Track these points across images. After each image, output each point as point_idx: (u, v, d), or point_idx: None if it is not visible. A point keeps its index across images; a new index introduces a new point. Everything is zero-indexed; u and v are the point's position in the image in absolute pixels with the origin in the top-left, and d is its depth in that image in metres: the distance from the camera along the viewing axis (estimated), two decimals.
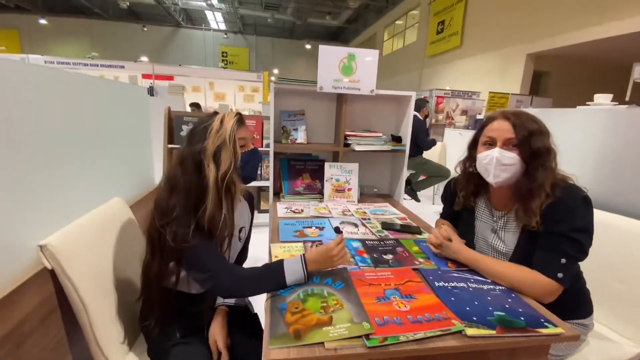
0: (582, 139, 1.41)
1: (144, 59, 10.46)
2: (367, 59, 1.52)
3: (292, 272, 0.83)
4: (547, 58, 7.08)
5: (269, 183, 1.66)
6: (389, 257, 1.03)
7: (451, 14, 9.46)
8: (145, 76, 7.63)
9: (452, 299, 0.80)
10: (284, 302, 0.76)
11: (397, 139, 1.75)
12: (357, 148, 1.59)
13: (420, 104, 3.72)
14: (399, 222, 1.38)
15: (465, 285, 0.87)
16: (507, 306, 0.79)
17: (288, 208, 1.51)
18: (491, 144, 0.96)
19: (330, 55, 1.49)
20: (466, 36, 8.97)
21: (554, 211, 0.87)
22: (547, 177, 0.89)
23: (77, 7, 12.71)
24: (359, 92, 1.55)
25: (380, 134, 1.67)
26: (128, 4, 11.76)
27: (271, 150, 1.61)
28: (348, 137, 1.64)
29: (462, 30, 9.04)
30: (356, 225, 1.32)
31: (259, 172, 2.69)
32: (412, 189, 3.67)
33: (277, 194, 1.71)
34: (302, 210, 1.49)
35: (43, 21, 12.73)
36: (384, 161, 1.91)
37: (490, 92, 6.71)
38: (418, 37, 11.42)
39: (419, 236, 1.24)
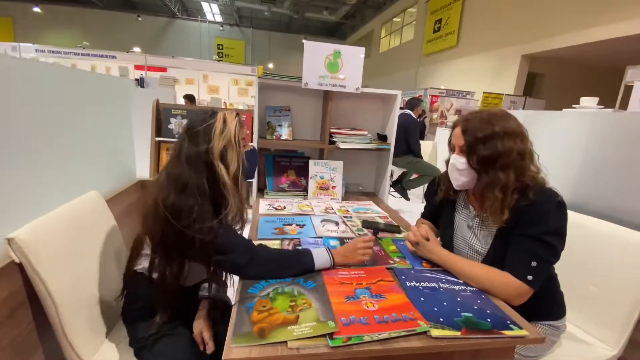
0: (567, 141, 1.42)
1: (137, 49, 10.31)
2: (353, 56, 1.51)
3: (320, 257, 0.90)
4: (542, 59, 7.13)
5: (253, 179, 1.65)
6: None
7: (448, 13, 9.45)
8: (137, 67, 7.51)
9: (422, 299, 0.81)
10: (252, 300, 0.76)
11: (382, 138, 1.75)
12: (342, 146, 1.59)
13: (414, 103, 3.71)
14: (380, 220, 1.38)
15: (436, 286, 0.88)
16: (475, 307, 0.79)
17: (270, 205, 1.50)
18: (452, 149, 1.00)
19: (315, 52, 1.48)
20: (462, 35, 8.98)
21: (527, 214, 0.87)
22: (503, 179, 0.88)
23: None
24: (344, 90, 1.54)
25: (366, 133, 1.67)
26: None
27: (255, 146, 1.59)
28: (333, 135, 1.63)
29: (458, 29, 9.04)
30: (337, 224, 1.32)
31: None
32: (402, 188, 3.68)
33: (262, 190, 1.70)
34: (285, 207, 1.48)
35: (37, 9, 12.47)
36: (370, 159, 1.91)
37: (484, 93, 6.74)
38: (415, 35, 11.39)
39: (398, 235, 1.24)
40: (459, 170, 0.96)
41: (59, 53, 6.84)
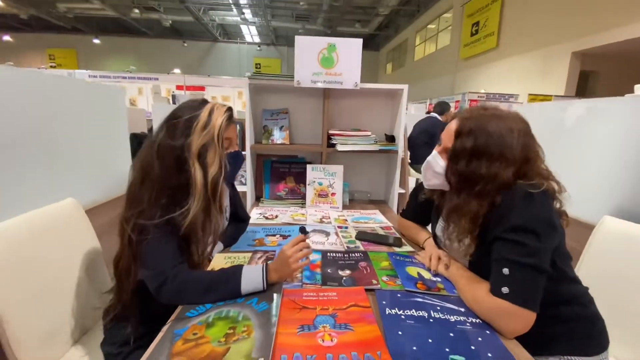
0: (619, 133, 1.12)
1: (177, 71, 11.08)
2: (349, 49, 1.37)
3: (249, 280, 0.73)
4: (595, 56, 6.39)
5: (247, 188, 1.54)
6: (345, 273, 0.86)
7: (486, 15, 8.98)
8: (178, 87, 8.07)
9: (399, 332, 0.62)
10: (185, 326, 0.63)
11: (390, 139, 1.57)
12: (341, 148, 1.43)
13: (444, 107, 3.44)
14: (380, 232, 1.19)
15: (425, 315, 0.68)
16: (472, 348, 0.58)
17: (262, 214, 1.38)
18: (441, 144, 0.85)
19: (307, 46, 1.36)
20: (503, 36, 8.45)
21: (491, 216, 0.72)
22: (474, 209, 0.73)
23: (126, 27, 13.88)
24: (342, 86, 1.40)
25: (369, 133, 1.50)
26: (170, 22, 12.64)
27: (248, 151, 1.49)
28: (332, 137, 1.48)
29: (498, 30, 8.53)
30: (327, 234, 1.15)
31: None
32: None
33: (259, 199, 1.59)
34: (277, 216, 1.35)
35: (96, 41, 14.09)
36: (378, 164, 1.72)
37: (530, 94, 6.19)
38: (451, 40, 10.98)
39: (397, 249, 1.05)
40: (434, 172, 0.84)
41: (109, 77, 7.53)
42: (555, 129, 1.31)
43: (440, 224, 0.97)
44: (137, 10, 11.09)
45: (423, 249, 1.03)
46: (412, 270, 0.89)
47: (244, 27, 15.05)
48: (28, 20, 11.29)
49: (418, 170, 3.15)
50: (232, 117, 0.85)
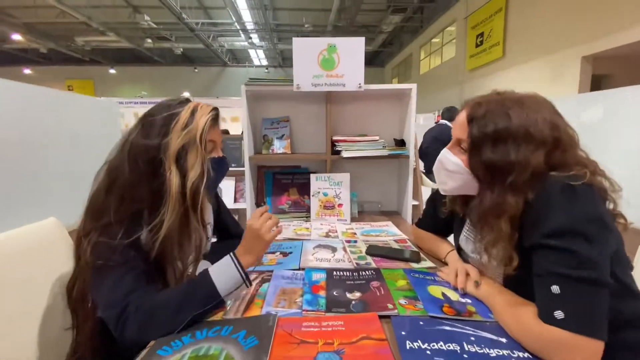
0: None
1: (186, 94, 11.41)
2: (351, 50, 1.28)
3: (223, 275, 0.64)
4: (607, 59, 6.21)
5: (246, 203, 1.43)
6: (355, 296, 0.72)
7: (490, 25, 9.00)
8: None
9: None
10: None
11: (399, 143, 1.44)
12: (347, 154, 1.31)
13: (453, 113, 3.30)
14: (394, 245, 1.05)
15: (458, 349, 0.53)
16: None
17: None
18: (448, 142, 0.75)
19: (306, 48, 1.27)
20: (509, 46, 8.40)
21: (525, 219, 0.59)
22: (512, 205, 0.60)
23: (140, 56, 14.53)
24: (344, 89, 1.30)
25: (377, 138, 1.38)
26: (181, 50, 13.16)
27: (247, 163, 1.39)
28: (337, 143, 1.37)
29: (503, 40, 8.49)
30: (333, 250, 1.02)
31: (232, 194, 2.44)
32: None
33: None
34: None
35: (112, 71, 14.80)
36: (388, 172, 1.58)
37: None
38: (456, 52, 11.01)
39: (415, 265, 0.90)
40: (448, 173, 0.72)
41: (121, 103, 7.78)
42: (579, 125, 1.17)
43: (464, 235, 0.82)
44: (149, 41, 11.58)
45: (445, 263, 0.88)
46: (435, 290, 0.74)
47: (251, 52, 15.55)
48: (48, 54, 11.90)
49: (434, 180, 3.00)
50: (217, 118, 0.74)
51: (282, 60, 16.71)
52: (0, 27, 8.96)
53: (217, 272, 0.64)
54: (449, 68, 11.39)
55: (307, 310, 0.65)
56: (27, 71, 13.71)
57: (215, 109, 0.74)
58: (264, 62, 17.16)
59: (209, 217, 0.89)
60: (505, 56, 8.59)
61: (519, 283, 0.64)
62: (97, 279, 0.61)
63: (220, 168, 0.78)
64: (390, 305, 0.67)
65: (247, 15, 9.90)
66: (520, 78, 7.97)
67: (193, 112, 0.69)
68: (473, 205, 0.67)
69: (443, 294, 0.73)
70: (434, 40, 12.69)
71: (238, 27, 11.14)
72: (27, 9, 8.65)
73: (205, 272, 0.63)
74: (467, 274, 0.75)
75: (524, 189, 0.59)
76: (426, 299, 0.70)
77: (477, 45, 9.67)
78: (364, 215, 1.48)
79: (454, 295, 0.72)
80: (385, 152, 1.33)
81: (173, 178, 0.64)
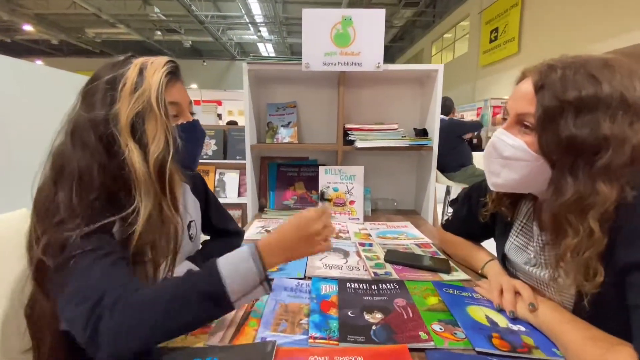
0: None
1: (194, 86, 11.37)
2: (369, 23, 1.11)
3: (235, 271, 0.46)
4: (628, 57, 5.90)
5: (247, 197, 1.28)
6: (376, 318, 0.56)
7: (505, 20, 8.72)
8: (196, 102, 8.23)
9: None
10: None
11: (421, 133, 1.27)
12: (361, 145, 1.15)
13: (448, 105, 3.02)
14: (417, 250, 0.89)
15: None
16: None
17: (264, 227, 1.11)
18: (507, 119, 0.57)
19: (318, 21, 1.11)
20: (524, 41, 8.13)
21: (615, 228, 0.45)
22: (605, 195, 0.44)
23: (150, 49, 14.52)
24: (360, 69, 1.13)
25: (396, 126, 1.21)
26: (190, 43, 13.10)
27: (248, 153, 1.24)
28: (350, 132, 1.21)
29: (519, 35, 8.22)
30: (345, 255, 0.86)
31: (236, 188, 2.30)
32: None
33: (263, 209, 1.33)
34: None
35: None
36: (406, 165, 1.42)
37: None
38: (469, 48, 10.74)
39: (444, 276, 0.74)
40: (503, 160, 0.55)
41: None
42: None
43: (513, 242, 0.66)
44: (159, 33, 11.56)
45: (482, 276, 0.72)
46: (477, 313, 0.58)
47: (260, 45, 15.46)
48: (59, 46, 11.95)
49: (452, 179, 2.83)
50: (176, 72, 0.59)
51: (291, 54, 16.59)
52: (12, 17, 8.99)
53: (229, 265, 0.46)
54: (461, 64, 11.11)
55: (315, 338, 0.50)
56: (38, 62, 13.86)
57: (172, 62, 0.58)
58: (273, 56, 17.13)
59: (193, 212, 0.74)
60: (520, 52, 8.33)
61: (599, 311, 0.48)
62: (58, 282, 0.45)
63: (191, 135, 0.62)
64: (423, 334, 0.51)
65: (256, 8, 9.80)
66: None
67: (142, 70, 0.54)
68: (544, 199, 0.51)
69: (488, 318, 0.57)
70: (446, 35, 12.41)
71: (247, 20, 11.02)
72: (39, 0, 8.66)
73: (212, 264, 0.47)
74: (517, 292, 0.59)
75: (620, 176, 0.44)
76: (468, 324, 0.54)
77: (491, 41, 9.39)
78: (378, 213, 1.32)
79: (501, 320, 0.56)
80: (405, 143, 1.17)
81: (133, 155, 0.50)
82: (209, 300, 0.44)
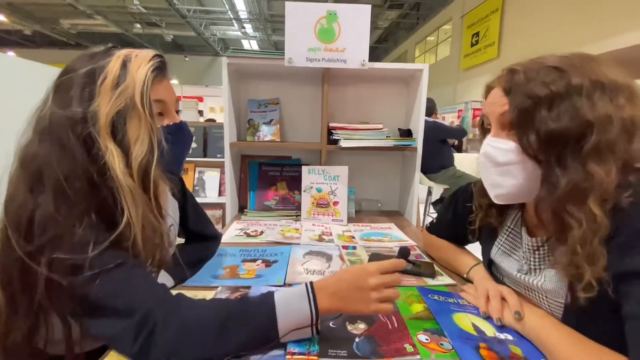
0: None
1: (174, 81, 11.08)
2: (355, 18, 1.08)
3: (289, 306, 0.46)
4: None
5: (226, 197, 1.23)
6: (359, 328, 0.53)
7: (486, 25, 8.95)
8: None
9: None
10: None
11: (405, 134, 1.26)
12: (345, 144, 1.12)
13: (430, 107, 3.07)
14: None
15: None
16: None
17: (243, 229, 1.06)
18: (490, 128, 0.56)
19: (301, 15, 1.07)
20: (504, 46, 8.37)
21: (619, 235, 0.42)
22: (600, 176, 0.43)
23: (129, 42, 13.98)
24: (345, 66, 1.10)
25: (381, 126, 1.19)
26: (172, 37, 12.69)
27: (227, 151, 1.18)
28: (334, 131, 1.17)
29: (499, 40, 8.45)
30: (328, 259, 0.83)
31: (217, 187, 2.22)
32: None
33: (243, 210, 1.27)
34: (262, 233, 1.03)
35: None
36: (390, 165, 1.40)
37: None
38: (451, 51, 10.97)
39: (429, 281, 0.72)
40: (500, 168, 0.52)
41: None
42: None
43: (500, 246, 0.65)
44: (138, 26, 11.16)
45: (467, 280, 0.70)
46: (463, 321, 0.56)
47: (244, 42, 15.23)
48: (32, 37, 11.34)
49: (433, 180, 2.85)
50: (163, 67, 0.54)
51: (276, 51, 16.42)
52: None
53: (284, 301, 0.46)
54: (443, 67, 11.34)
55: (294, 354, 0.46)
56: (10, 53, 13.07)
57: (159, 56, 0.53)
58: (255, 50, 16.91)
59: (171, 212, 0.69)
60: (499, 57, 8.56)
61: (587, 320, 0.46)
62: (83, 300, 0.41)
63: (177, 138, 0.58)
64: (408, 347, 0.48)
65: (240, 4, 9.61)
66: None
67: (125, 64, 0.49)
68: (541, 197, 0.49)
69: (474, 326, 0.55)
70: (429, 38, 12.63)
71: (231, 16, 10.82)
72: None
73: (270, 295, 0.47)
74: (503, 299, 0.57)
75: (614, 152, 0.43)
76: (454, 334, 0.52)
77: (472, 45, 9.61)
78: (362, 215, 1.30)
79: (488, 329, 0.54)
80: (389, 143, 1.14)
81: (113, 159, 0.45)
82: (259, 332, 0.44)
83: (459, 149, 4.77)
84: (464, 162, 3.29)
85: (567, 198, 0.44)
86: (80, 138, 0.45)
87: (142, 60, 0.50)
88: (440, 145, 2.82)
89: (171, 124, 0.58)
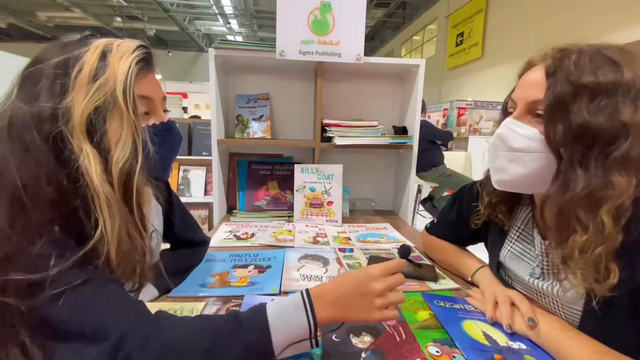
0: None
1: (157, 77, 10.82)
2: (349, 10, 1.03)
3: (284, 319, 0.40)
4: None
5: (214, 197, 1.16)
6: (365, 342, 0.49)
7: (470, 25, 9.10)
8: None
9: None
10: None
11: (400, 131, 1.22)
12: (339, 142, 1.07)
13: (422, 106, 3.13)
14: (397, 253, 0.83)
15: None
16: None
17: (232, 232, 1.00)
18: (514, 111, 0.52)
19: (294, 5, 1.01)
20: (487, 46, 8.52)
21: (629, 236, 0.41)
22: (622, 187, 0.40)
23: (109, 36, 13.49)
24: (339, 60, 1.05)
25: (376, 123, 1.15)
26: (155, 32, 12.31)
27: (214, 149, 1.12)
28: (328, 128, 1.13)
29: (482, 40, 8.60)
30: (325, 263, 0.78)
31: (202, 186, 2.14)
32: (434, 206, 3.07)
33: (232, 211, 1.21)
34: (253, 235, 0.97)
35: None
36: (385, 164, 1.37)
37: None
38: (436, 50, 11.12)
39: (433, 285, 0.69)
40: (512, 152, 0.49)
41: None
42: None
43: (510, 248, 0.62)
44: (119, 19, 10.77)
45: (472, 284, 0.67)
46: (473, 329, 0.53)
47: (230, 38, 15.03)
48: (7, 30, 10.76)
49: (423, 179, 2.85)
50: (149, 60, 0.48)
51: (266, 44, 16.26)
52: None
53: (277, 313, 0.41)
54: (429, 66, 11.41)
55: None
56: None
57: (144, 47, 0.47)
58: (244, 42, 16.73)
59: (154, 218, 0.63)
60: (483, 57, 8.72)
61: (606, 327, 0.43)
62: (43, 323, 0.35)
63: (165, 140, 0.52)
64: None
65: None
66: (497, 79, 8.11)
67: (105, 54, 0.42)
68: (550, 194, 0.46)
69: (485, 335, 0.51)
70: (415, 37, 12.75)
71: (216, 11, 10.59)
72: None
73: (260, 309, 0.41)
74: (512, 304, 0.54)
75: (638, 167, 0.40)
76: (467, 345, 0.48)
77: (457, 44, 9.76)
78: (357, 214, 1.26)
79: (500, 337, 0.51)
80: (385, 141, 1.11)
81: (88, 162, 0.38)
82: (252, 351, 0.39)
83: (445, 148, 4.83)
84: (454, 161, 3.33)
85: (580, 202, 0.42)
86: (49, 138, 0.38)
87: (124, 51, 0.44)
88: (431, 144, 2.83)
89: (158, 123, 0.52)
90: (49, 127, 0.38)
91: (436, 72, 10.86)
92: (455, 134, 6.30)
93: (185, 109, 6.46)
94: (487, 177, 0.60)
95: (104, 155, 0.40)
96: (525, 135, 0.47)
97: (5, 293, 0.34)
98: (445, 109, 7.74)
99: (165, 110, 0.56)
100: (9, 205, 0.36)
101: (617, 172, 0.40)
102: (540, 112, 0.47)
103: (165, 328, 0.38)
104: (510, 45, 7.58)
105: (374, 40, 15.02)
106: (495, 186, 0.54)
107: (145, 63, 0.47)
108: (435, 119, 7.46)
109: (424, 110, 3.17)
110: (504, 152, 0.50)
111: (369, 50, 18.02)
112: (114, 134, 0.41)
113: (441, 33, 10.74)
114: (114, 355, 0.34)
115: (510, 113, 0.52)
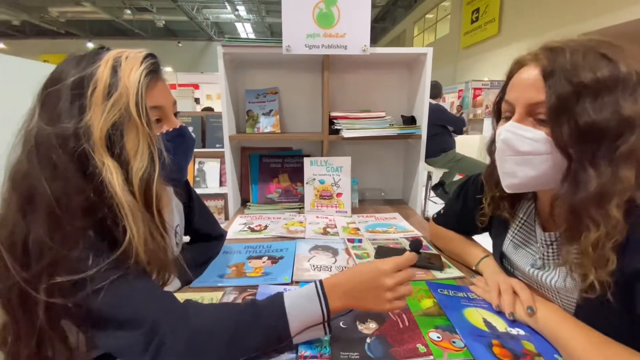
0: None
1: (168, 69, 10.87)
2: (354, 2, 1.03)
3: (300, 308, 0.46)
4: (607, 37, 6.06)
5: (228, 189, 1.21)
6: (370, 328, 0.52)
7: (486, 1, 8.66)
8: (170, 86, 7.83)
9: None
10: None
11: (409, 121, 1.23)
12: (347, 134, 1.09)
13: (436, 90, 2.99)
14: (408, 246, 0.86)
15: None
16: None
17: (247, 224, 1.05)
18: (510, 114, 0.52)
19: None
20: (504, 23, 8.15)
21: (630, 238, 0.41)
22: (629, 181, 0.41)
23: (120, 29, 13.60)
24: (346, 52, 1.06)
25: (384, 114, 1.16)
26: (164, 22, 12.34)
27: (227, 144, 1.16)
28: (335, 121, 1.14)
29: (499, 16, 8.22)
30: (334, 253, 0.82)
31: (217, 177, 2.19)
32: (445, 192, 3.05)
33: (246, 203, 1.26)
34: (266, 227, 1.02)
35: (90, 44, 13.83)
36: (393, 154, 1.38)
37: None
38: (451, 29, 10.70)
39: (437, 274, 0.71)
40: (521, 156, 0.49)
41: None
42: None
43: (512, 239, 0.63)
44: (129, 12, 10.85)
45: (477, 273, 0.70)
46: (474, 316, 0.56)
47: (238, 25, 14.86)
48: (21, 27, 11.05)
49: (433, 164, 2.82)
50: (157, 69, 0.51)
51: (271, 34, 16.03)
52: None
53: (294, 301, 0.46)
54: (443, 45, 11.08)
55: (305, 357, 0.46)
56: (0, 45, 12.77)
57: (151, 56, 0.50)
58: (252, 36, 16.49)
59: (176, 215, 0.67)
60: (500, 34, 8.35)
61: (599, 319, 0.45)
62: (85, 316, 0.41)
63: (179, 145, 0.56)
64: (421, 347, 0.48)
65: None
66: (515, 56, 7.79)
67: (115, 69, 0.45)
68: (559, 194, 0.47)
69: (485, 322, 0.54)
70: (428, 16, 12.29)
71: None
72: None
73: (279, 296, 0.47)
74: (514, 292, 0.57)
75: (626, 164, 0.41)
76: (466, 331, 0.52)
77: (472, 22, 9.36)
78: (366, 205, 1.28)
79: (500, 324, 0.54)
80: (393, 132, 1.12)
81: (111, 175, 0.42)
82: (271, 333, 0.44)
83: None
84: (468, 144, 3.25)
85: (593, 200, 0.42)
86: (73, 155, 0.42)
87: (133, 63, 0.47)
88: (442, 129, 2.78)
89: (171, 129, 0.55)
90: (72, 145, 0.42)
91: (451, 51, 10.49)
92: (470, 116, 6.15)
93: (197, 100, 6.54)
94: (489, 174, 0.61)
95: (125, 167, 0.44)
96: (532, 138, 0.47)
97: (52, 295, 0.39)
98: (460, 90, 7.53)
99: (176, 114, 0.59)
100: (46, 219, 0.40)
101: (625, 166, 0.41)
102: (542, 114, 0.47)
103: (193, 315, 0.43)
104: (529, 21, 7.22)
105: (385, 20, 14.54)
106: (506, 190, 0.54)
107: (154, 73, 0.50)
108: (450, 100, 7.27)
109: (440, 95, 3.10)
110: (511, 156, 0.51)
111: (380, 32, 17.58)
112: (131, 146, 0.44)
113: (455, 10, 10.30)
114: (149, 340, 0.39)
115: (507, 116, 0.52)
